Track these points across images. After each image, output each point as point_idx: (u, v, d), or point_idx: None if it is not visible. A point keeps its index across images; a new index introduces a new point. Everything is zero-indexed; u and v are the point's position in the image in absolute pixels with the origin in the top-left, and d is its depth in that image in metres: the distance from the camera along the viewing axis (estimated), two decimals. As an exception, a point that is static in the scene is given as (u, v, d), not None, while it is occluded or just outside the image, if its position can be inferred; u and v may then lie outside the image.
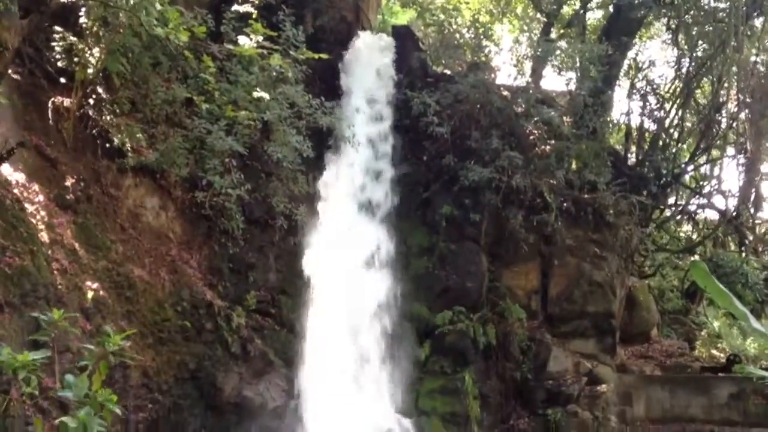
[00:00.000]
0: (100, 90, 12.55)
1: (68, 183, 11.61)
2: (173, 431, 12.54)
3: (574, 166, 18.44)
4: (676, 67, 22.51)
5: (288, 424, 13.92)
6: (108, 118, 12.51)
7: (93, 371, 5.87)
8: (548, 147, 18.07)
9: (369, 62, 18.38)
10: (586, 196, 17.54)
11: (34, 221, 10.45)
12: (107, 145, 12.56)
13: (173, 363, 12.70)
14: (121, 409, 7.12)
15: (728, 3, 20.14)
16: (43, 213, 10.75)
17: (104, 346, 6.19)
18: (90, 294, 10.88)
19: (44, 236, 10.51)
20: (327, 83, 17.37)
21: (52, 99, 11.95)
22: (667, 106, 22.01)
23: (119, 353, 6.30)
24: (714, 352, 20.68)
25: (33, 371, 6.49)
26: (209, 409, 13.25)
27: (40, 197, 10.95)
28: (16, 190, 10.43)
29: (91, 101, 12.41)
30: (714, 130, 22.26)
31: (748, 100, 21.98)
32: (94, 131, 12.46)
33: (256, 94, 13.72)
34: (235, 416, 13.45)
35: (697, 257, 22.14)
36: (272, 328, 14.88)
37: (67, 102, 12.02)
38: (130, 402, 11.28)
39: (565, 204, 17.28)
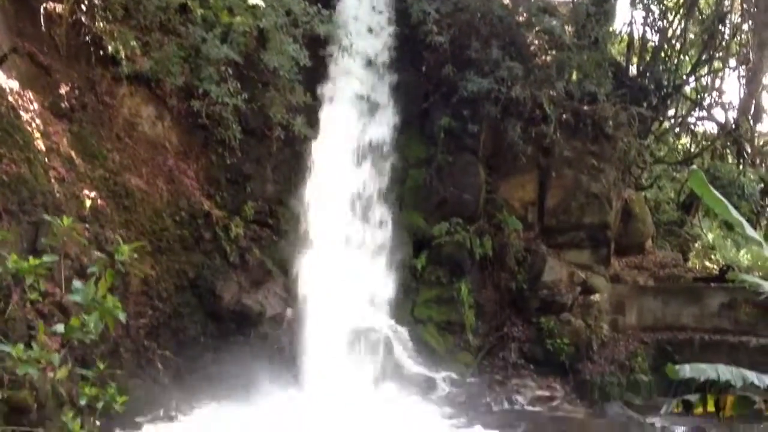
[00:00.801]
0: (92, -5, 12.26)
1: (62, 91, 11.48)
2: (173, 337, 12.78)
3: (574, 76, 18.24)
4: (680, -25, 22.01)
5: (286, 332, 14.16)
6: (101, 24, 12.25)
7: (99, 278, 5.91)
8: (549, 57, 17.85)
9: (367, -32, 17.89)
10: (585, 107, 17.40)
11: (29, 129, 10.37)
12: (101, 52, 12.35)
13: (172, 272, 12.84)
14: (124, 316, 7.21)
15: None
16: (38, 121, 10.66)
17: (113, 255, 6.20)
18: (88, 202, 10.88)
19: (40, 144, 10.45)
20: (324, -10, 16.95)
21: (44, 5, 11.69)
22: (670, 16, 21.66)
23: (125, 263, 6.33)
24: (707, 263, 20.93)
25: (39, 277, 6.55)
26: (209, 316, 13.46)
27: (35, 105, 10.84)
28: (10, 98, 10.30)
29: (84, 7, 12.14)
30: (717, 41, 21.94)
31: (752, 10, 21.57)
32: (87, 38, 12.23)
33: (251, 1, 13.40)
34: (234, 324, 13.67)
35: (695, 167, 22.14)
36: (270, 238, 14.97)
37: (59, 8, 11.76)
38: (130, 309, 11.45)
39: (564, 115, 17.16)
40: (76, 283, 6.54)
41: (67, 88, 11.57)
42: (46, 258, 6.98)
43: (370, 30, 17.51)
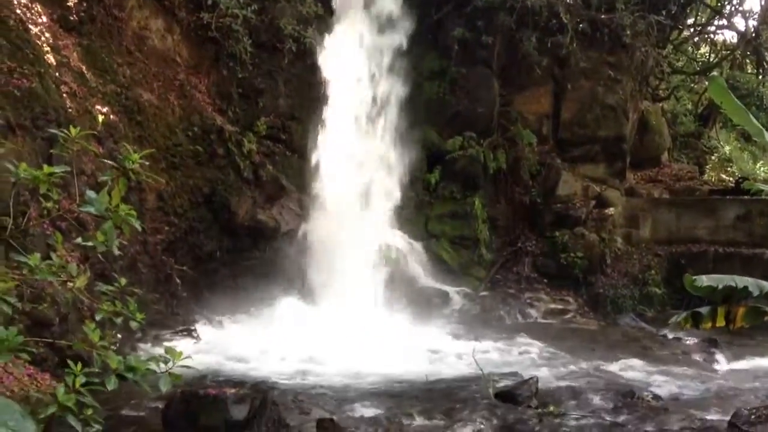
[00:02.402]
0: None
1: (71, 3, 11.25)
2: (190, 252, 12.89)
3: (591, -17, 17.68)
4: None
5: (300, 247, 14.24)
6: (105, -69, 11.92)
7: (112, 188, 5.88)
8: (566, -38, 17.27)
9: None
10: (603, 16, 16.95)
11: (39, 43, 10.22)
12: (107, -40, 12.06)
13: (187, 187, 12.85)
14: (139, 224, 7.25)
15: None
16: (47, 34, 10.49)
17: (123, 164, 6.15)
18: (101, 118, 10.81)
19: (50, 58, 10.31)
20: None
21: None
22: None
23: (137, 172, 6.27)
24: (723, 176, 20.79)
25: (54, 187, 6.53)
26: (224, 232, 13.53)
27: (44, 18, 10.65)
28: (18, 11, 10.11)
29: None
30: (740, -55, 21.18)
31: None
32: (91, -54, 11.91)
33: None
34: (249, 239, 13.77)
35: (716, 74, 21.69)
36: (283, 154, 14.90)
37: None
38: (147, 225, 11.49)
39: (581, 25, 16.75)
40: (89, 193, 6.56)
41: (75, 0, 11.34)
42: (58, 168, 7.00)
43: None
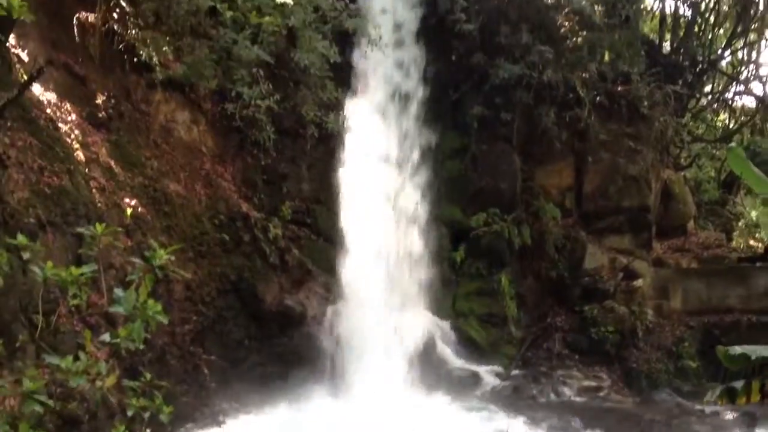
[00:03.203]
0: (123, 3, 12.26)
1: (99, 100, 11.55)
2: (218, 341, 12.81)
3: (606, 57, 17.93)
4: (711, -53, 21.55)
5: (328, 331, 14.15)
6: (133, 32, 12.27)
7: (139, 284, 5.88)
8: (580, 39, 17.58)
9: (393, -40, 17.73)
10: (619, 88, 17.15)
11: (68, 140, 10.45)
12: (134, 59, 12.39)
13: (214, 275, 12.88)
14: (167, 319, 7.25)
15: None
16: (77, 132, 10.73)
17: (150, 260, 6.17)
18: (129, 211, 10.94)
19: (80, 155, 10.52)
20: (350, -16, 16.86)
21: (77, 15, 11.74)
22: (703, -11, 21.19)
23: (165, 267, 6.29)
24: (752, 242, 20.57)
25: (82, 286, 6.55)
26: (252, 319, 13.47)
27: (73, 116, 10.91)
28: (48, 110, 10.38)
29: (116, 15, 12.16)
30: (751, 12, 21.44)
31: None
32: (120, 46, 12.27)
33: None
34: (277, 325, 13.68)
35: (734, 144, 21.69)
36: (308, 238, 14.95)
37: (91, 17, 11.80)
38: (175, 315, 11.49)
39: (598, 98, 16.92)
40: (117, 292, 6.60)
41: (104, 98, 11.64)
42: (86, 268, 7.06)
43: (399, 23, 17.35)
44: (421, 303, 15.54)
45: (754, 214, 21.02)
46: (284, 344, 13.58)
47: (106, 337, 6.56)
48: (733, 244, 20.00)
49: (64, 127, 10.47)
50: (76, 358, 6.37)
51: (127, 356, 9.70)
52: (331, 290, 14.63)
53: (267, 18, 13.25)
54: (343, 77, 15.89)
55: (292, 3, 13.51)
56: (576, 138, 17.24)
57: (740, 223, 21.28)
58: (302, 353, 13.55)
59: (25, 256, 7.69)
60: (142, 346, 6.32)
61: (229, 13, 12.95)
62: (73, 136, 10.56)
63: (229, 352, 12.84)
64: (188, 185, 12.74)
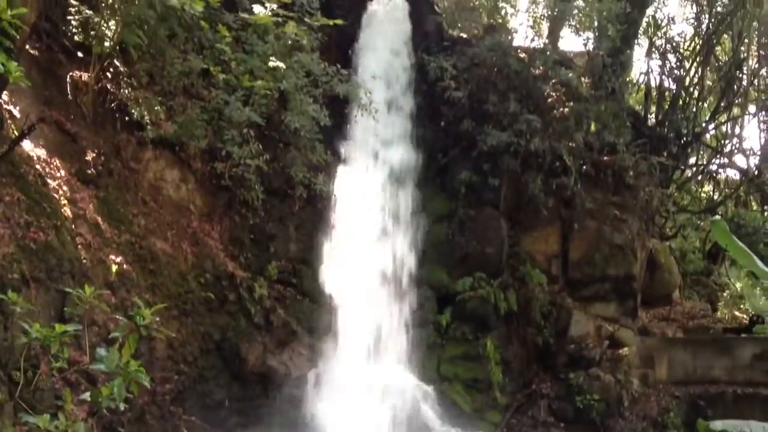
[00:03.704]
0: (117, 63, 12.50)
1: (89, 157, 11.63)
2: (199, 401, 12.65)
3: (593, 127, 18.26)
4: (695, 23, 22.22)
5: (311, 392, 14.01)
6: (126, 91, 12.48)
7: (122, 344, 5.89)
8: (567, 109, 17.87)
9: (384, 27, 18.17)
10: (605, 158, 17.38)
11: (56, 196, 10.48)
12: (126, 118, 12.55)
13: (198, 334, 12.80)
14: (148, 381, 7.20)
15: (748, -43, 19.72)
16: (65, 188, 10.78)
17: (134, 319, 6.19)
18: (114, 268, 10.94)
19: (67, 211, 10.55)
20: (342, 50, 17.23)
21: (70, 73, 11.94)
22: (687, 64, 21.74)
23: (149, 326, 6.32)
24: (737, 313, 20.64)
25: (64, 345, 6.54)
26: (234, 379, 13.35)
27: (62, 172, 10.98)
28: (38, 166, 10.44)
29: (109, 75, 12.38)
30: (735, 87, 21.98)
31: (769, 56, 21.64)
32: (112, 105, 12.44)
33: (272, 63, 13.61)
34: (259, 386, 13.55)
35: (718, 217, 21.93)
36: (294, 298, 14.94)
37: (85, 76, 12.00)
38: (156, 374, 11.38)
39: (584, 167, 17.13)
40: (100, 351, 6.57)
41: (94, 155, 11.74)
42: (70, 327, 7.04)
43: (389, 87, 17.68)
44: (406, 366, 15.43)
45: (738, 285, 21.17)
46: (267, 405, 13.42)
47: (86, 396, 6.51)
48: (718, 314, 20.07)
49: (52, 183, 10.53)
50: (55, 417, 6.30)
51: (107, 415, 9.58)
52: (316, 351, 14.54)
53: (259, 82, 13.51)
54: (333, 140, 16.13)
55: (284, 67, 13.79)
56: (562, 205, 17.39)
57: (725, 294, 21.39)
58: (285, 415, 13.37)
59: (13, 311, 7.67)
60: (123, 407, 6.29)
61: (222, 76, 13.22)
62: (61, 192, 10.61)
63: (210, 413, 12.66)
64: (175, 243, 12.75)
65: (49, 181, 10.50)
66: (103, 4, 11.96)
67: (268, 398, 13.53)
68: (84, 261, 10.34)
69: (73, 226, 10.50)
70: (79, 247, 10.40)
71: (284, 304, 14.57)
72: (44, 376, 8.78)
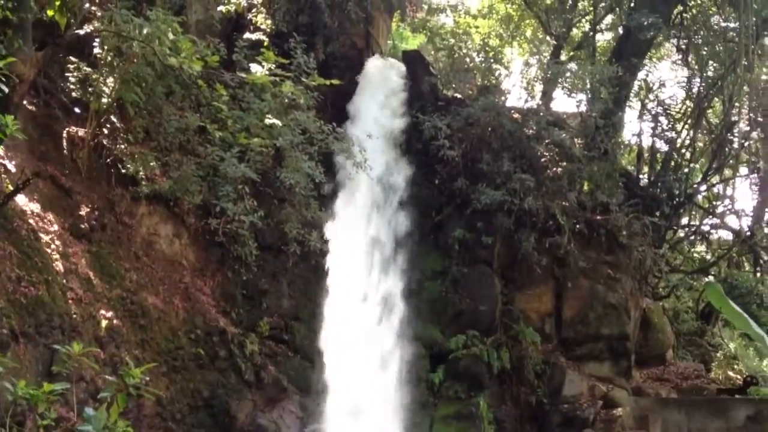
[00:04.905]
0: (114, 119, 12.66)
1: (83, 212, 11.70)
2: (187, 460, 12.50)
3: (586, 187, 18.40)
4: (686, 87, 22.54)
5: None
6: (122, 146, 12.62)
7: (111, 403, 5.84)
8: (560, 169, 18.06)
9: (380, 87, 18.46)
10: (598, 217, 17.46)
11: (49, 251, 10.51)
12: (121, 173, 12.66)
13: (187, 391, 12.69)
14: (136, 440, 7.13)
15: (738, 23, 20.10)
16: (57, 242, 10.81)
17: (123, 378, 6.15)
18: (104, 323, 10.92)
19: (59, 266, 10.56)
20: (338, 108, 17.45)
21: (67, 129, 12.09)
22: (679, 126, 22.00)
23: (137, 386, 6.27)
24: (731, 373, 20.51)
25: (52, 403, 6.48)
26: (223, 437, 13.21)
27: (55, 227, 11.02)
28: (31, 220, 10.50)
29: (106, 130, 12.54)
30: (726, 149, 22.20)
31: (759, 119, 21.94)
32: (108, 160, 12.56)
33: (268, 121, 13.79)
34: (249, 445, 13.40)
35: (711, 278, 22.01)
36: (286, 355, 14.87)
37: (81, 132, 12.14)
38: (144, 431, 11.26)
39: (577, 226, 17.19)
40: (88, 411, 6.51)
41: (87, 209, 11.81)
42: (57, 386, 6.98)
43: (384, 147, 17.86)
44: (399, 426, 15.25)
45: (732, 345, 21.10)
46: (255, 466, 13.25)
47: (73, 461, 6.41)
48: (712, 375, 19.96)
49: (45, 238, 10.57)
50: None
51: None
52: (307, 410, 14.41)
53: (255, 139, 13.68)
54: (327, 197, 16.23)
55: (280, 125, 13.97)
56: (556, 264, 17.40)
57: (719, 355, 21.30)
58: (273, 476, 13.21)
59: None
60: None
61: (218, 133, 13.38)
62: (53, 246, 10.65)
63: (197, 473, 12.50)
64: (166, 298, 12.74)
65: (41, 235, 10.54)
66: (102, 62, 12.16)
67: (258, 457, 13.35)
68: (74, 316, 10.32)
69: (65, 281, 10.50)
70: (70, 302, 10.39)
71: (275, 360, 14.49)
72: (30, 432, 8.67)
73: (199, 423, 12.78)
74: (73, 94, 12.35)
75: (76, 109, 12.40)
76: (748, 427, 16.16)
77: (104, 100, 12.17)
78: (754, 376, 18.46)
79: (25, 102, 11.13)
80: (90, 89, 12.21)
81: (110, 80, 12.21)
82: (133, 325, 11.75)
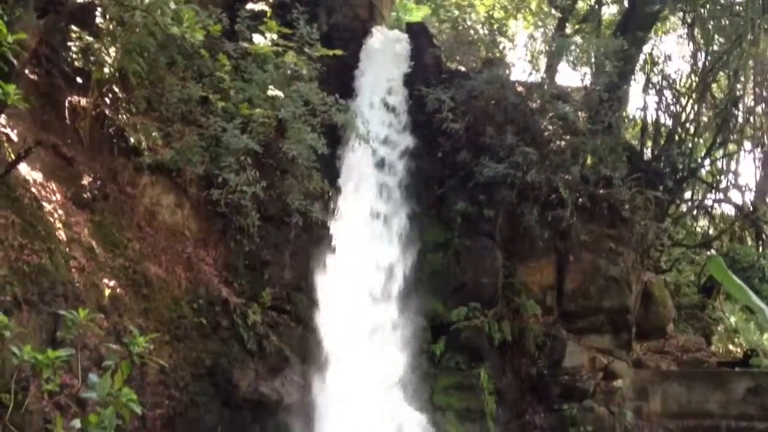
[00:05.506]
0: (116, 89, 12.65)
1: (85, 182, 11.73)
2: (190, 427, 12.60)
3: (589, 161, 18.37)
4: (692, 61, 22.41)
5: (304, 420, 13.99)
6: (124, 117, 12.62)
7: (115, 371, 5.90)
8: (563, 142, 18.02)
9: (383, 59, 18.39)
10: (601, 191, 17.45)
11: (51, 220, 10.56)
12: (123, 144, 12.68)
13: (190, 360, 12.79)
14: (141, 409, 7.20)
15: (745, -4, 19.98)
16: (60, 211, 10.85)
17: (128, 347, 6.21)
18: (107, 292, 10.97)
19: (62, 234, 10.61)
20: (341, 80, 17.39)
21: (69, 99, 12.07)
22: (683, 100, 21.90)
23: (141, 355, 6.33)
24: (731, 347, 20.62)
25: (56, 369, 6.55)
26: (226, 405, 13.32)
27: (58, 196, 11.06)
28: (33, 189, 10.53)
29: (108, 100, 12.53)
30: (730, 124, 22.09)
31: (764, 93, 21.83)
32: (110, 130, 12.57)
33: (270, 92, 13.77)
34: (251, 412, 13.53)
35: (713, 252, 22.03)
36: (288, 325, 14.92)
37: (83, 101, 12.14)
38: (147, 399, 11.35)
39: (580, 199, 17.19)
40: (92, 377, 6.58)
41: (90, 179, 11.83)
42: (62, 351, 7.06)
43: (387, 119, 17.85)
44: (400, 395, 15.39)
45: (733, 319, 21.16)
46: (258, 432, 13.42)
47: (76, 423, 6.50)
48: (713, 348, 20.05)
49: (47, 207, 10.61)
50: (44, 438, 6.29)
51: (96, 440, 9.55)
52: (308, 379, 14.52)
53: (258, 110, 13.66)
54: (330, 169, 16.25)
55: (283, 96, 13.95)
56: (558, 237, 17.42)
57: (719, 328, 21.37)
58: (276, 443, 13.37)
59: (6, 334, 7.70)
60: (112, 433, 6.28)
61: (220, 104, 13.35)
62: (56, 215, 10.69)
63: (200, 440, 12.64)
64: (169, 268, 12.80)
65: (44, 204, 10.58)
66: (104, 31, 12.13)
67: (260, 425, 13.52)
68: (77, 284, 10.38)
69: (68, 250, 10.56)
70: (73, 270, 10.45)
71: (278, 331, 14.56)
72: (34, 398, 8.78)
73: (201, 391, 12.89)
74: (75, 63, 12.34)
75: (78, 79, 12.37)
76: (747, 400, 16.28)
77: (106, 70, 12.16)
78: (754, 349, 18.55)
79: (26, 71, 11.12)
80: (92, 59, 12.19)
81: (112, 50, 12.19)
82: (136, 295, 11.82)
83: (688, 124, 21.67)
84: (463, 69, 19.65)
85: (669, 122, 21.60)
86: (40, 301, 9.62)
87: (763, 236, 22.40)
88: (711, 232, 24.42)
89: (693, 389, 16.77)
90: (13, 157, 9.98)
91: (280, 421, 13.73)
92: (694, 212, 24.02)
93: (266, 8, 14.33)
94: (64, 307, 9.48)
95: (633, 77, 21.72)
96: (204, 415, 12.90)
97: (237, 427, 13.33)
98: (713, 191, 23.42)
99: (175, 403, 12.23)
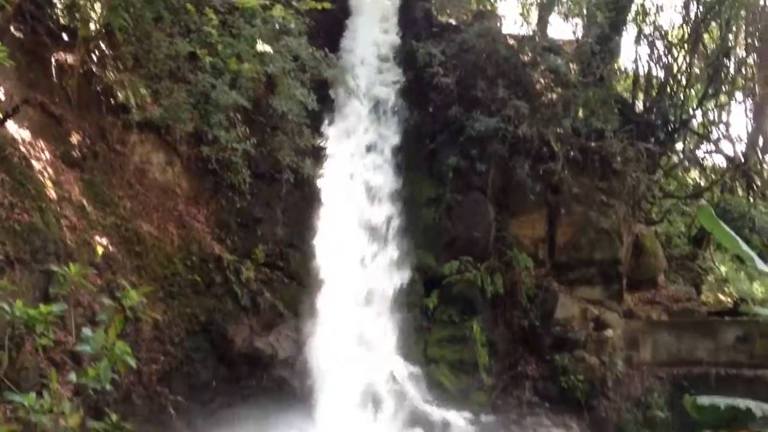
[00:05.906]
0: (103, 46, 12.52)
1: (74, 140, 11.68)
2: (185, 382, 12.77)
3: (581, 114, 18.33)
4: (683, 12, 22.19)
5: (298, 374, 14.15)
6: (112, 74, 12.51)
7: (109, 325, 5.95)
8: (555, 95, 17.96)
9: (373, 13, 18.23)
10: (593, 144, 17.45)
11: (41, 178, 10.53)
12: (112, 101, 12.59)
13: (184, 316, 12.89)
14: (135, 361, 7.28)
15: (737, -56, 19.75)
16: (50, 170, 10.83)
17: (120, 301, 6.25)
18: (100, 249, 10.98)
19: (52, 193, 10.60)
20: (330, 35, 17.24)
21: (55, 56, 11.95)
22: (675, 51, 21.75)
23: (135, 309, 6.37)
24: (721, 296, 20.78)
25: (50, 325, 6.60)
26: (221, 360, 13.49)
27: (47, 154, 11.02)
28: (22, 148, 10.49)
29: (95, 57, 12.40)
30: (722, 75, 22.00)
31: (756, 44, 21.71)
32: (98, 88, 12.47)
33: (259, 47, 13.62)
34: (246, 367, 13.69)
35: (704, 202, 22.08)
36: (281, 281, 15.03)
37: (70, 59, 12.02)
38: (142, 354, 11.49)
39: (571, 152, 17.19)
40: (86, 332, 6.63)
41: (79, 137, 11.78)
42: (55, 307, 7.11)
43: (377, 71, 17.74)
44: (393, 348, 15.55)
45: (723, 269, 21.32)
46: (253, 387, 13.57)
47: (73, 377, 6.56)
48: (703, 298, 20.21)
49: (37, 165, 10.58)
50: (40, 395, 6.36)
51: (92, 395, 9.68)
52: (302, 334, 14.64)
53: (246, 65, 13.53)
54: (321, 124, 16.19)
55: (271, 51, 13.81)
56: (549, 190, 17.47)
57: (710, 278, 21.54)
58: (271, 396, 13.52)
59: (-4, 292, 7.72)
60: (109, 387, 6.35)
61: (208, 59, 13.23)
62: (46, 174, 10.66)
63: (197, 394, 12.80)
64: (161, 226, 12.82)
65: (33, 162, 10.55)
66: (89, -13, 11.97)
67: (255, 379, 13.68)
68: (69, 242, 10.40)
69: (58, 208, 10.56)
70: (64, 228, 10.46)
71: (271, 287, 14.66)
72: (29, 355, 8.86)
73: (196, 347, 13.03)
74: (61, 20, 12.20)
75: (64, 36, 12.23)
76: (736, 347, 16.49)
77: (92, 27, 12.03)
78: (744, 298, 18.73)
79: (11, 28, 11.00)
80: (77, 15, 12.04)
81: (97, 5, 12.05)
82: (128, 252, 11.86)
83: (679, 76, 21.55)
84: (453, 22, 19.52)
85: (660, 74, 21.48)
86: (32, 260, 9.64)
87: (754, 186, 22.48)
88: (702, 183, 24.46)
89: (683, 338, 16.97)
90: (1, 115, 9.92)
91: (275, 376, 13.88)
92: (686, 163, 24.05)
93: (253, -39, 14.10)
94: (56, 265, 9.51)
95: (625, 28, 21.51)
96: (199, 371, 13.06)
97: (232, 381, 13.50)
98: (705, 142, 23.43)
99: (170, 358, 12.37)
